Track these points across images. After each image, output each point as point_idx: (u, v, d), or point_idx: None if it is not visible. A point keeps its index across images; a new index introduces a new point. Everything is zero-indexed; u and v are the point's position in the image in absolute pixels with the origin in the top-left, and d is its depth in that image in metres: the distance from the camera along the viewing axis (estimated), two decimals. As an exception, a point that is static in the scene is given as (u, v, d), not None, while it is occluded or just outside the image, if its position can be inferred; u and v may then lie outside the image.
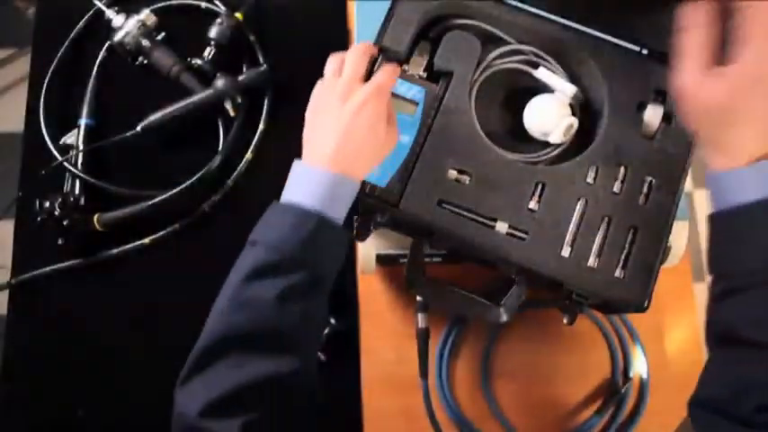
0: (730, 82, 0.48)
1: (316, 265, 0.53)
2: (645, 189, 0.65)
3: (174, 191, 0.83)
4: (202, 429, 0.47)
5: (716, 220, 0.52)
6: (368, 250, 0.76)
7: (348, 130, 0.56)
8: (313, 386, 0.53)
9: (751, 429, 0.46)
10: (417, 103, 0.67)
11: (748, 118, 0.48)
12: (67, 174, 0.85)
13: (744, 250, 0.50)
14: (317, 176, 0.55)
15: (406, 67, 0.68)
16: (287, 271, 0.52)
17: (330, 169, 0.55)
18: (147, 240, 0.83)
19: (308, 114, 0.61)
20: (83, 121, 0.87)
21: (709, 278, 0.53)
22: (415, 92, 0.68)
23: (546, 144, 0.69)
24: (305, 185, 0.56)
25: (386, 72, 0.61)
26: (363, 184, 0.62)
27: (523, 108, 0.70)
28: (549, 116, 0.67)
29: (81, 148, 0.86)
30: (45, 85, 0.89)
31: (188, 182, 0.84)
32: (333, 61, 0.63)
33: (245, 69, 0.90)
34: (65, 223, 0.80)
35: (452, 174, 0.65)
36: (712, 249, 0.53)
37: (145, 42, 0.87)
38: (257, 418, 0.47)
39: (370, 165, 0.60)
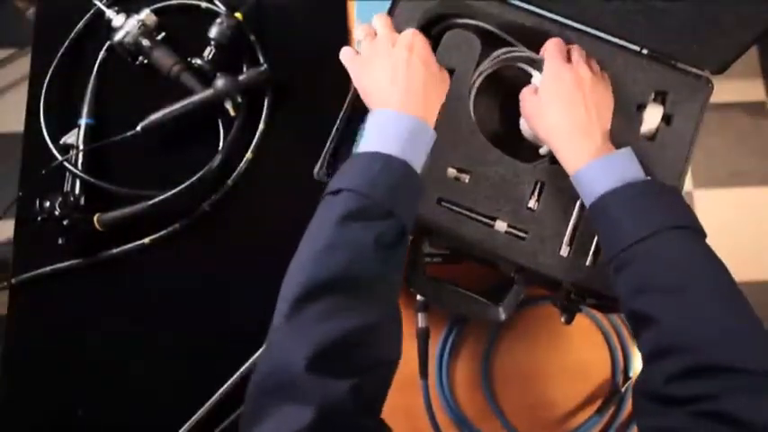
0: (538, 100, 0.64)
1: (403, 212, 0.53)
2: (645, 189, 0.65)
3: (174, 191, 0.83)
4: (310, 385, 0.44)
5: (590, 212, 0.59)
6: (368, 250, 0.76)
7: (409, 67, 0.58)
8: (401, 338, 0.53)
9: (665, 406, 0.46)
10: None
11: (553, 126, 0.62)
12: (67, 174, 0.85)
13: (612, 231, 0.56)
14: (396, 121, 0.56)
15: None
16: (380, 217, 0.51)
17: (406, 112, 0.56)
18: (146, 240, 0.83)
19: (356, 69, 0.62)
20: (83, 121, 0.87)
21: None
22: None
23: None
24: (384, 132, 0.56)
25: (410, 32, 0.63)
26: None
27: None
28: None
29: (81, 147, 0.86)
30: (45, 85, 0.89)
31: (188, 182, 0.84)
32: (362, 28, 0.65)
33: (245, 69, 0.90)
34: (65, 223, 0.80)
35: (452, 172, 0.65)
36: (599, 238, 0.62)
37: (145, 42, 0.87)
38: (363, 381, 0.46)
39: (437, 103, 0.62)
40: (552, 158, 0.68)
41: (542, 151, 0.69)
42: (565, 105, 0.61)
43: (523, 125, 0.70)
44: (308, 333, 0.46)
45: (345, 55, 0.64)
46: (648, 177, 0.58)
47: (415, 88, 0.58)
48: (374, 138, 0.56)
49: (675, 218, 0.54)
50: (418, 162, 0.57)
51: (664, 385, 0.47)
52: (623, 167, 0.57)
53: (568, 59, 0.65)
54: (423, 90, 0.59)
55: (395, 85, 0.58)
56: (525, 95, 0.66)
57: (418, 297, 0.79)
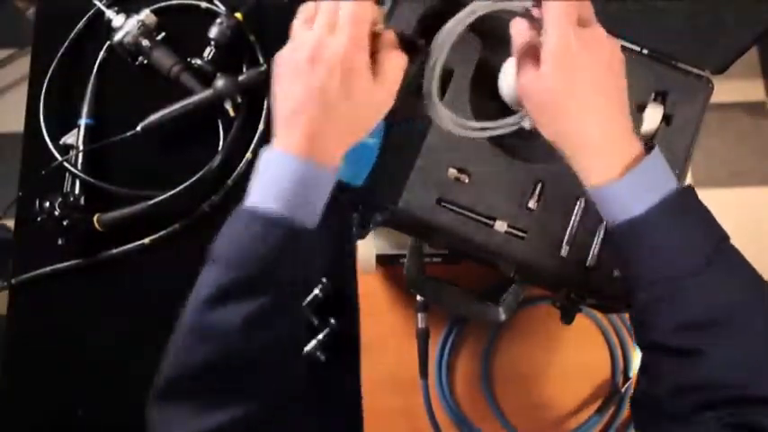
0: (548, 70, 0.47)
1: (285, 281, 0.45)
2: (644, 189, 0.65)
3: (174, 191, 0.83)
4: None
5: (615, 236, 0.50)
6: (368, 250, 0.76)
7: (319, 100, 0.45)
8: (289, 420, 0.47)
9: (687, 425, 0.46)
10: None
11: (575, 99, 0.47)
12: (67, 174, 0.85)
13: (655, 260, 0.48)
14: (284, 167, 0.45)
15: None
16: (253, 292, 0.44)
17: (299, 154, 0.45)
18: (146, 240, 0.83)
19: (273, 79, 0.49)
20: (83, 121, 0.87)
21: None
22: None
23: (544, 144, 0.69)
24: (271, 180, 0.46)
25: (355, 7, 0.46)
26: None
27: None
28: None
29: (81, 148, 0.86)
30: (45, 85, 0.89)
31: (188, 182, 0.84)
32: (299, 18, 0.51)
33: (245, 69, 0.90)
34: (65, 223, 0.80)
35: (452, 172, 0.65)
36: (622, 261, 0.52)
37: (145, 42, 0.87)
38: None
39: (347, 139, 0.48)
40: (551, 158, 0.68)
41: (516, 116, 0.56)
42: (592, 102, 0.47)
43: (503, 86, 0.61)
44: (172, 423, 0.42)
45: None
46: (682, 184, 0.50)
47: (319, 127, 0.45)
48: (256, 184, 0.47)
49: (717, 236, 0.49)
50: (310, 212, 0.46)
51: (690, 412, 0.45)
52: (656, 177, 0.48)
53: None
54: (328, 129, 0.46)
55: (295, 126, 0.46)
56: (527, 74, 0.48)
57: (418, 297, 0.79)
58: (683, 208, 0.49)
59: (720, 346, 0.46)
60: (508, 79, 0.61)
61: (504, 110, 0.72)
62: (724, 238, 0.50)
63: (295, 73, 0.47)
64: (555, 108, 0.48)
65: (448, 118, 0.53)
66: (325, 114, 0.46)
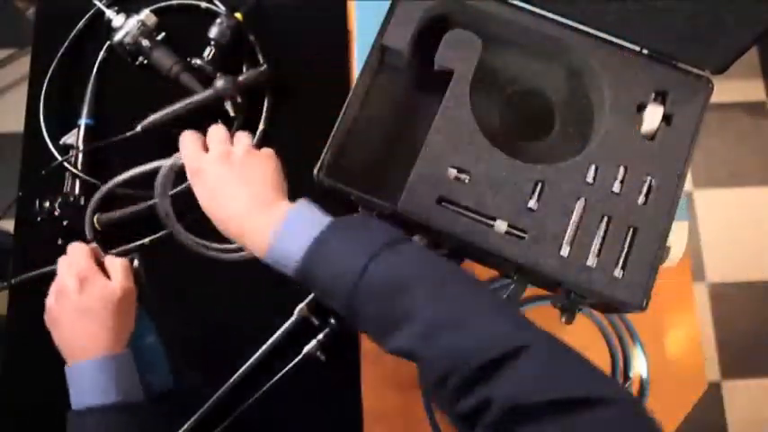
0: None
1: None
2: (644, 189, 0.66)
3: (174, 191, 0.83)
4: None
5: (301, 282, 0.53)
6: (368, 250, 0.76)
7: (80, 316, 0.60)
8: None
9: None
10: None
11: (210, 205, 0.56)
12: (67, 174, 0.85)
13: (332, 287, 0.50)
14: (84, 370, 0.60)
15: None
16: None
17: (95, 355, 0.59)
18: (146, 240, 0.83)
19: (47, 316, 0.63)
20: (83, 121, 0.87)
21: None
22: None
23: (544, 144, 0.69)
24: (82, 384, 0.61)
25: (77, 251, 0.65)
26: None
27: (522, 108, 0.70)
28: None
29: (81, 148, 0.86)
30: (45, 85, 0.89)
31: (188, 182, 0.84)
32: (64, 259, 0.66)
33: (245, 69, 0.90)
34: (65, 223, 0.80)
35: (452, 172, 0.65)
36: (320, 297, 0.54)
37: (145, 42, 0.87)
38: None
39: (123, 327, 0.62)
40: (551, 158, 0.68)
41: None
42: (215, 204, 0.56)
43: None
44: None
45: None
46: (327, 219, 0.53)
47: (77, 344, 0.61)
48: (77, 392, 0.61)
49: (371, 242, 0.51)
50: (134, 389, 0.59)
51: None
52: (303, 226, 0.52)
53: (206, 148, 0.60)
54: (104, 323, 0.60)
55: (66, 344, 0.61)
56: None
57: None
58: (328, 237, 0.51)
59: (417, 324, 0.47)
60: None
61: (503, 110, 0.72)
62: (385, 242, 0.50)
63: (62, 308, 0.62)
64: (208, 213, 0.57)
65: (191, 240, 0.71)
66: (83, 320, 0.60)
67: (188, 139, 0.60)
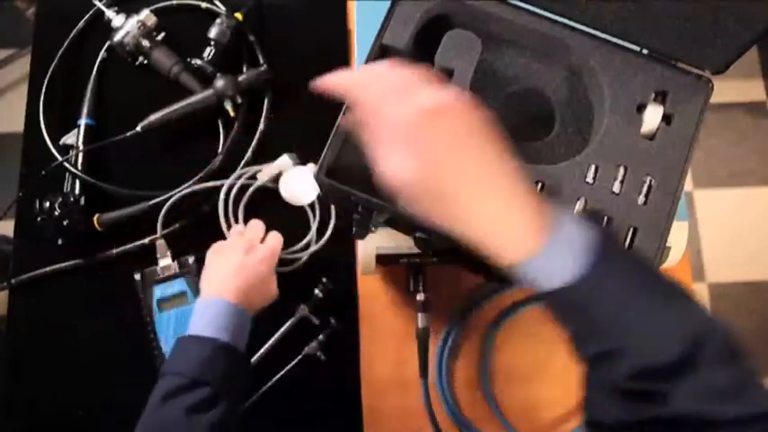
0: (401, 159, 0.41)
1: (217, 381, 0.59)
2: (644, 189, 0.65)
3: (174, 191, 0.83)
4: None
5: (551, 303, 0.46)
6: (368, 250, 0.76)
7: (249, 273, 0.67)
8: None
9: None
10: (186, 292, 0.81)
11: (445, 180, 0.41)
12: (67, 174, 0.85)
13: (602, 313, 0.44)
14: (217, 306, 0.65)
15: (158, 269, 0.81)
16: (191, 389, 0.58)
17: (230, 299, 0.65)
18: (146, 240, 0.83)
19: (210, 255, 0.71)
20: (83, 121, 0.87)
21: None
22: (176, 286, 0.81)
23: (544, 144, 0.69)
24: (206, 316, 0.64)
25: (276, 238, 0.74)
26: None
27: (522, 108, 0.70)
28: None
29: (81, 148, 0.86)
30: (45, 85, 0.89)
31: (188, 183, 0.84)
32: (237, 228, 0.77)
33: (245, 69, 0.90)
34: (65, 223, 0.80)
35: (452, 173, 0.65)
36: (565, 323, 0.48)
37: (145, 42, 0.87)
38: None
39: (259, 305, 0.69)
40: (551, 158, 0.68)
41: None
42: (463, 175, 0.41)
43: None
44: None
45: (215, 245, 0.73)
46: (596, 230, 0.44)
47: (246, 289, 0.67)
48: (195, 321, 0.65)
49: (651, 272, 0.46)
50: (234, 336, 0.64)
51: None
52: (572, 234, 0.43)
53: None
54: (252, 293, 0.67)
55: (230, 283, 0.66)
56: (382, 168, 0.42)
57: (418, 297, 0.79)
58: (613, 255, 0.44)
59: (686, 382, 0.41)
60: (289, 186, 0.83)
61: (503, 110, 0.72)
62: (656, 274, 0.45)
63: (231, 255, 0.70)
64: (427, 197, 0.41)
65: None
66: (250, 285, 0.68)
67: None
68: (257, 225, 0.74)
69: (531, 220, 0.41)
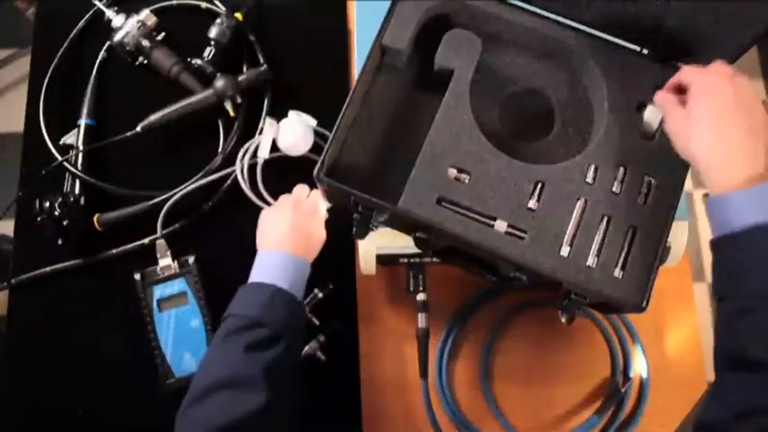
0: (687, 116, 0.57)
1: (274, 323, 0.63)
2: (644, 189, 0.65)
3: (175, 191, 0.83)
4: None
5: (718, 244, 0.54)
6: (368, 250, 0.76)
7: (300, 225, 0.71)
8: (284, 416, 0.62)
9: None
10: (186, 292, 0.80)
11: (705, 150, 0.55)
12: (67, 174, 0.85)
13: (749, 273, 0.51)
14: (276, 257, 0.69)
15: (158, 269, 0.81)
16: (251, 328, 0.62)
17: (287, 250, 0.69)
18: (146, 240, 0.83)
19: (264, 214, 0.74)
20: (83, 121, 0.87)
21: (709, 278, 0.54)
22: (176, 286, 0.80)
23: (544, 144, 0.69)
24: (265, 267, 0.68)
25: (317, 192, 0.74)
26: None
27: (522, 108, 0.70)
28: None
29: (81, 148, 0.86)
30: (45, 85, 0.89)
31: (188, 183, 0.84)
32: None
33: (245, 69, 0.90)
34: (65, 223, 0.80)
35: (452, 172, 0.65)
36: (717, 272, 0.54)
37: (145, 42, 0.87)
38: None
39: (314, 250, 0.72)
40: (551, 158, 0.68)
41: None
42: (723, 126, 0.54)
43: (280, 141, 0.82)
44: (198, 422, 0.58)
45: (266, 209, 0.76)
46: None
47: (299, 239, 0.70)
48: (255, 271, 0.69)
49: None
50: (291, 283, 0.67)
51: None
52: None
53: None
54: (305, 241, 0.71)
55: (283, 236, 0.70)
56: (670, 108, 0.59)
57: (418, 297, 0.79)
58: None
59: None
60: (287, 135, 0.84)
61: (503, 110, 0.72)
62: None
63: (282, 211, 0.73)
64: (690, 132, 0.57)
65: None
66: (302, 235, 0.71)
67: None
68: (301, 186, 0.77)
69: (745, 170, 0.53)
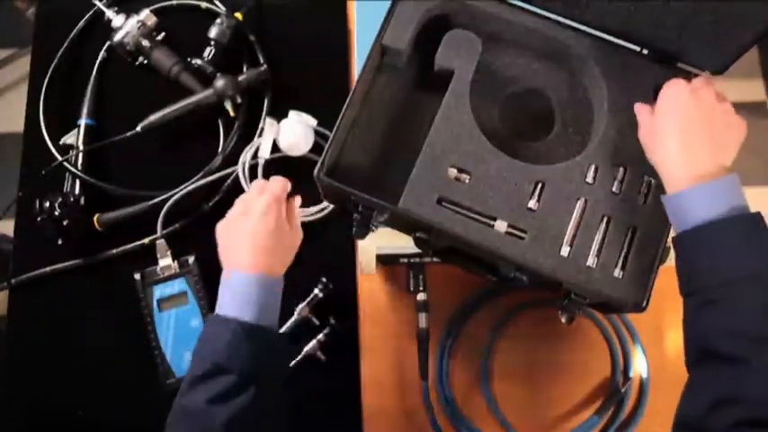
0: (654, 129, 0.61)
1: (241, 367, 0.56)
2: (644, 189, 0.66)
3: (175, 191, 0.83)
4: None
5: (676, 242, 0.57)
6: (368, 250, 0.76)
7: (256, 233, 0.62)
8: None
9: None
10: (186, 292, 0.80)
11: (666, 150, 0.60)
12: (67, 174, 0.85)
13: (707, 268, 0.54)
14: (235, 281, 0.61)
15: (158, 269, 0.80)
16: (213, 377, 0.55)
17: (249, 271, 0.61)
18: (146, 240, 0.83)
19: (218, 232, 0.66)
20: (83, 121, 0.87)
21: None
22: (177, 286, 0.80)
23: (544, 144, 0.69)
24: (227, 293, 0.61)
25: (276, 182, 0.67)
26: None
27: (522, 108, 0.70)
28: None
29: (81, 148, 0.86)
30: (45, 85, 0.89)
31: (188, 183, 0.84)
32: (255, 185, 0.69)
33: (245, 69, 0.90)
34: (65, 223, 0.80)
35: (452, 172, 0.65)
36: (679, 270, 0.57)
37: (145, 42, 0.87)
38: None
39: (286, 258, 0.65)
40: (552, 158, 0.68)
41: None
42: (685, 137, 0.58)
43: (281, 140, 0.83)
44: None
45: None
46: (756, 212, 0.56)
47: (260, 252, 0.62)
48: (220, 299, 0.61)
49: None
50: (261, 312, 0.60)
51: (731, 428, 0.46)
52: (730, 195, 0.55)
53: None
54: (269, 253, 0.63)
55: (242, 253, 0.62)
56: (641, 119, 0.64)
57: (418, 297, 0.79)
58: (750, 225, 0.54)
59: (762, 360, 0.48)
60: (287, 135, 0.83)
61: (503, 110, 0.72)
62: None
63: (233, 223, 0.65)
64: (650, 145, 0.62)
65: None
66: (262, 245, 0.63)
67: None
68: (253, 185, 0.68)
69: (697, 170, 0.57)
